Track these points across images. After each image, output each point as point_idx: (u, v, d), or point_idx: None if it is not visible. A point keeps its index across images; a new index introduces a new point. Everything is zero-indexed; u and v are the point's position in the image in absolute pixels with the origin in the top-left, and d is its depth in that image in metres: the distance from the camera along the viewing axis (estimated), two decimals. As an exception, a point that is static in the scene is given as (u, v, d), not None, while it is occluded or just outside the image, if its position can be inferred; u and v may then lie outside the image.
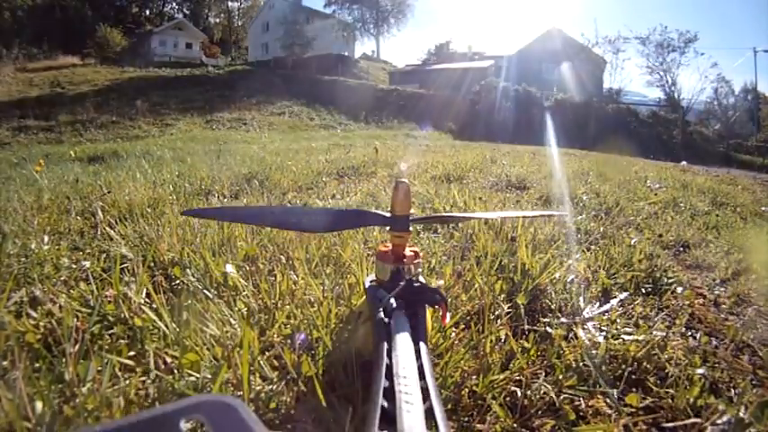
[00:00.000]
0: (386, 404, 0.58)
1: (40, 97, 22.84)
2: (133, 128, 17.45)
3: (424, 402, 0.58)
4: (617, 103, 27.26)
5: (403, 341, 0.73)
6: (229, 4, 48.10)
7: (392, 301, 0.86)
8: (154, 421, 0.35)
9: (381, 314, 0.83)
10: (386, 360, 0.68)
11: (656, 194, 3.95)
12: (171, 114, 20.28)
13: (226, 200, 2.94)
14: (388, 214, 1.04)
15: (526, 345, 1.15)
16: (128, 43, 37.23)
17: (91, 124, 17.37)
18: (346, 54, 41.40)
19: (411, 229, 1.03)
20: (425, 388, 0.61)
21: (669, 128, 25.10)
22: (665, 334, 1.26)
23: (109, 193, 2.77)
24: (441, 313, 0.93)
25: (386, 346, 0.73)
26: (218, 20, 48.88)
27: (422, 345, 0.74)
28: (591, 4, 69.36)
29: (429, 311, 1.00)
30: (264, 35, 40.51)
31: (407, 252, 1.04)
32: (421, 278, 1.04)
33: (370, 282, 1.05)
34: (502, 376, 1.02)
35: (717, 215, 3.42)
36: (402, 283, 0.92)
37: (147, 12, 44.83)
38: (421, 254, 1.08)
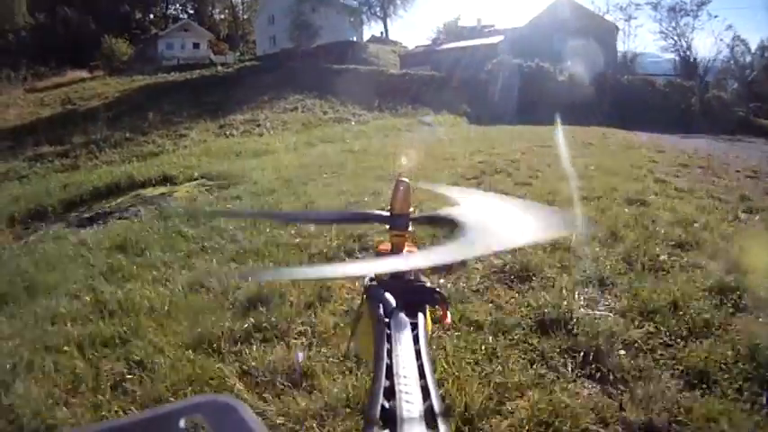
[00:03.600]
0: (386, 404, 0.56)
1: (53, 117, 22.87)
2: (147, 143, 17.21)
3: (423, 402, 0.57)
4: (632, 74, 26.11)
5: (403, 341, 0.72)
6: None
7: (392, 300, 0.85)
8: (154, 421, 0.35)
9: (381, 314, 0.82)
10: (386, 360, 0.66)
11: None
12: (183, 123, 20.00)
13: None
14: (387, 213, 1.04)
15: None
16: (134, 50, 37.04)
17: (105, 143, 17.15)
18: (355, 40, 40.57)
19: (411, 228, 1.03)
20: (425, 388, 0.60)
21: (687, 95, 24.03)
22: None
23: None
24: (441, 313, 0.95)
25: (386, 345, 0.71)
26: (222, 16, 48.09)
27: (422, 344, 0.72)
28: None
29: (429, 311, 0.95)
30: (270, 27, 39.71)
31: (407, 251, 1.05)
32: (421, 277, 1.03)
33: (370, 281, 0.99)
34: None
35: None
36: (402, 283, 0.93)
37: (152, 15, 44.28)
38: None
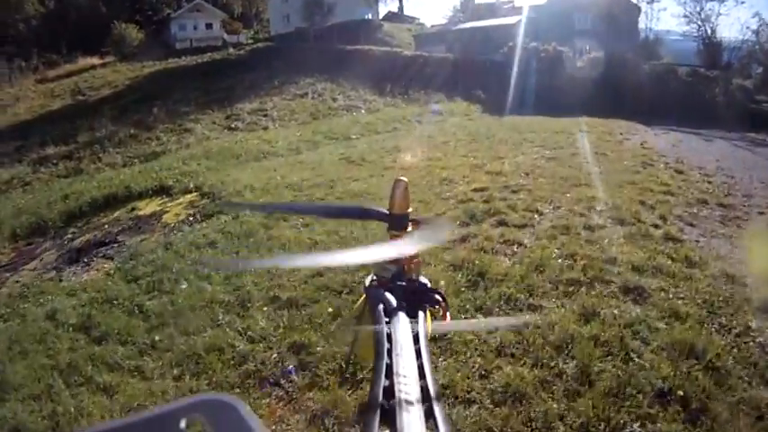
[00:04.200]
0: (386, 404, 0.58)
1: (62, 110, 22.76)
2: (150, 140, 16.87)
3: (423, 402, 0.58)
4: (655, 58, 24.63)
5: (403, 340, 0.73)
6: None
7: (392, 300, 0.86)
8: (153, 421, 0.36)
9: (381, 314, 0.82)
10: (386, 360, 0.68)
11: None
12: (190, 114, 19.53)
13: None
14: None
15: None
16: (147, 32, 36.60)
17: (109, 142, 16.86)
18: (370, 17, 39.41)
19: (411, 228, 1.06)
20: (425, 388, 0.61)
21: (710, 86, 22.69)
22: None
23: None
24: (441, 313, 0.96)
25: (386, 345, 0.72)
26: None
27: (422, 344, 0.74)
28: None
29: (429, 311, 0.94)
30: (284, 6, 38.52)
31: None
32: (422, 278, 1.03)
33: (370, 281, 1.02)
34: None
35: None
36: (402, 283, 0.94)
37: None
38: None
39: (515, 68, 23.73)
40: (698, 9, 30.64)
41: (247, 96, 22.20)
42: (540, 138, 11.15)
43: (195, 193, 9.96)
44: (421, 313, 0.85)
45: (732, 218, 5.52)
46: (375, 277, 1.05)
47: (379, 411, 0.55)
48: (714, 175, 7.65)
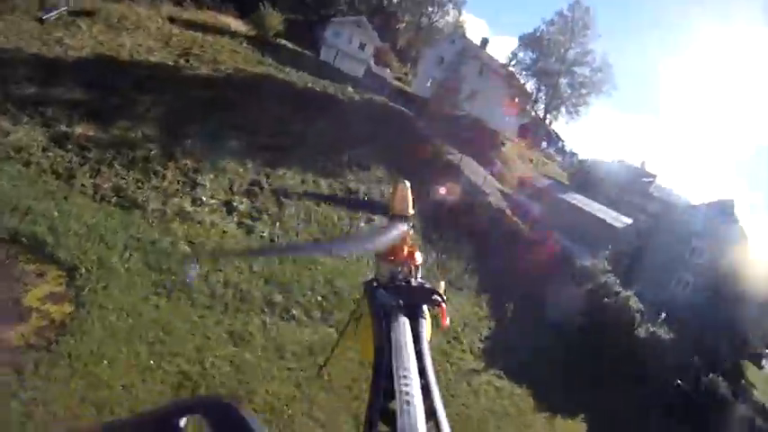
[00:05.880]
0: (386, 403, 0.58)
1: (153, 68, 22.49)
2: (155, 175, 15.72)
3: (424, 402, 0.58)
4: None
5: (403, 341, 0.74)
6: (422, 19, 44.57)
7: (392, 301, 0.88)
8: (154, 421, 0.37)
9: (381, 314, 0.85)
10: (386, 359, 0.68)
11: None
12: (224, 156, 18.17)
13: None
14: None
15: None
16: (308, 21, 36.29)
17: (124, 154, 15.99)
18: (506, 118, 36.90)
19: (411, 230, 1.09)
20: (426, 387, 0.62)
21: None
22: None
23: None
24: (440, 314, 0.97)
25: (386, 345, 0.73)
26: (404, 25, 45.51)
27: (423, 345, 0.76)
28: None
29: (428, 311, 0.97)
30: (435, 68, 37.15)
31: (406, 252, 1.08)
32: (419, 279, 1.05)
33: (370, 282, 1.03)
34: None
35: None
36: (401, 284, 0.98)
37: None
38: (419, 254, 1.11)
39: (593, 320, 19.69)
40: None
41: (303, 161, 20.52)
42: None
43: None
44: (420, 314, 0.89)
45: None
46: (375, 278, 1.06)
47: (379, 411, 0.55)
48: None
